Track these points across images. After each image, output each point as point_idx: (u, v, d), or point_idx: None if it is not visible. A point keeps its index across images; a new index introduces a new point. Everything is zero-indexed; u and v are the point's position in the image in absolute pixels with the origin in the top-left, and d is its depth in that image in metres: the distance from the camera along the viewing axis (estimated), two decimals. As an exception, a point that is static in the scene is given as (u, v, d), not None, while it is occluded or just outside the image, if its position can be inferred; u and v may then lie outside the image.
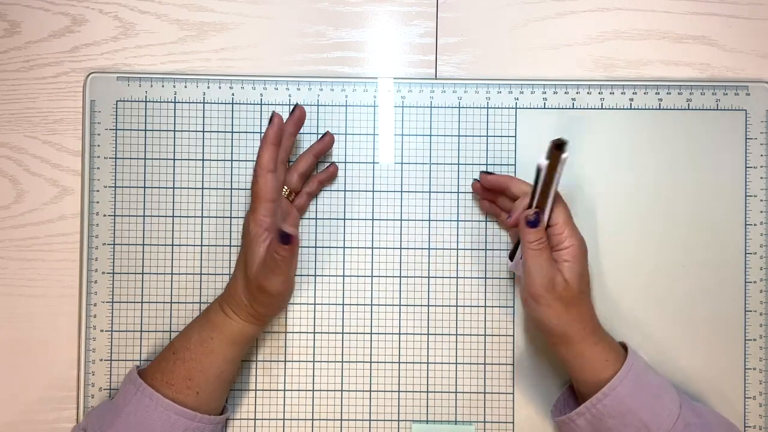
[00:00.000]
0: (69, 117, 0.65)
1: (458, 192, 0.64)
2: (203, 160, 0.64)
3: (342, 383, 0.64)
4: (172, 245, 0.64)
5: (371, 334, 0.64)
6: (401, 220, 0.64)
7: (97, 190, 0.64)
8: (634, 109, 0.65)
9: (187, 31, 0.65)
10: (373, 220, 0.64)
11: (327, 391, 0.64)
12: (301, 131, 0.63)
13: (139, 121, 0.64)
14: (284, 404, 0.64)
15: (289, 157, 0.62)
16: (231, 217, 0.64)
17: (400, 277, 0.64)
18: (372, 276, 0.64)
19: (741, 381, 0.63)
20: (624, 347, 0.58)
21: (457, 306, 0.64)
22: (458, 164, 0.65)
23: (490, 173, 0.62)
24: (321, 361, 0.64)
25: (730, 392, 0.63)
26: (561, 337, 0.56)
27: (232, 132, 0.65)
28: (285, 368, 0.64)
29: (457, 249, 0.64)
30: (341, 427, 0.64)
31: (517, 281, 0.63)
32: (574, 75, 0.65)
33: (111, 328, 0.64)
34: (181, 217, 0.64)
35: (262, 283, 0.55)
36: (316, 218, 0.64)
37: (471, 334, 0.64)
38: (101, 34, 0.65)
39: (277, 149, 0.57)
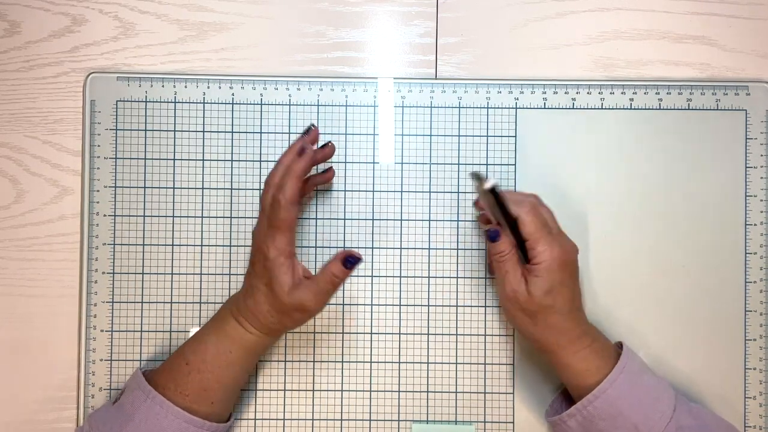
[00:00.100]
0: (69, 117, 0.65)
1: (458, 192, 0.64)
2: (203, 160, 0.64)
3: (342, 383, 0.64)
4: (172, 245, 0.64)
5: (371, 334, 0.64)
6: (401, 220, 0.64)
7: (97, 190, 0.64)
8: (634, 109, 0.65)
9: (187, 31, 0.65)
10: (373, 220, 0.64)
11: (327, 391, 0.64)
12: (301, 130, 0.64)
13: (139, 121, 0.64)
14: (284, 404, 0.64)
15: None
16: (231, 217, 0.64)
17: (400, 277, 0.64)
18: (372, 276, 0.64)
19: (741, 381, 0.63)
20: (622, 347, 0.58)
21: (457, 306, 0.64)
22: (458, 164, 0.65)
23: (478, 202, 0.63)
24: (321, 361, 0.64)
25: (730, 392, 0.63)
26: (536, 346, 0.58)
27: (232, 132, 0.65)
28: (285, 368, 0.64)
29: (457, 249, 0.64)
30: (341, 427, 0.64)
31: None
32: (574, 75, 0.65)
33: (111, 328, 0.64)
34: (181, 217, 0.64)
35: (305, 304, 0.55)
36: (316, 218, 0.64)
37: (471, 334, 0.64)
38: (101, 34, 0.65)
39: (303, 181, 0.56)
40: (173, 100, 0.64)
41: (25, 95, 0.65)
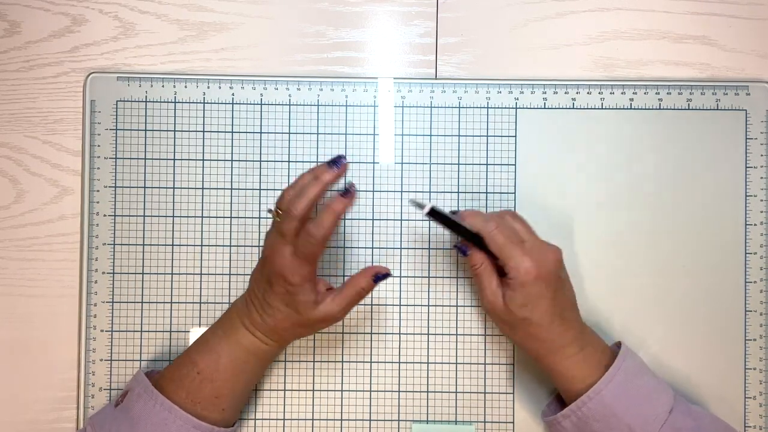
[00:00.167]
0: (69, 117, 0.65)
1: (458, 192, 0.64)
2: (203, 160, 0.64)
3: (342, 383, 0.64)
4: (172, 245, 0.64)
5: (371, 334, 0.64)
6: (401, 220, 0.64)
7: (97, 190, 0.64)
8: (634, 109, 0.65)
9: (187, 31, 0.65)
10: (373, 220, 0.64)
11: (327, 391, 0.64)
12: (301, 130, 0.64)
13: (139, 121, 0.64)
14: (284, 404, 0.64)
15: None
16: (231, 217, 0.64)
17: (400, 277, 0.64)
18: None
19: (741, 381, 0.63)
20: (620, 347, 0.58)
21: (457, 306, 0.64)
22: (458, 164, 0.65)
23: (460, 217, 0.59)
24: (321, 361, 0.64)
25: (730, 392, 0.63)
26: (524, 351, 0.59)
27: (232, 132, 0.64)
28: (285, 368, 0.64)
29: (457, 249, 0.64)
30: (341, 427, 0.64)
31: None
32: (574, 75, 0.65)
33: (111, 328, 0.64)
34: (181, 217, 0.64)
35: (331, 315, 0.56)
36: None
37: (471, 334, 0.64)
38: (101, 34, 0.65)
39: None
40: (173, 100, 0.64)
41: (25, 95, 0.65)
